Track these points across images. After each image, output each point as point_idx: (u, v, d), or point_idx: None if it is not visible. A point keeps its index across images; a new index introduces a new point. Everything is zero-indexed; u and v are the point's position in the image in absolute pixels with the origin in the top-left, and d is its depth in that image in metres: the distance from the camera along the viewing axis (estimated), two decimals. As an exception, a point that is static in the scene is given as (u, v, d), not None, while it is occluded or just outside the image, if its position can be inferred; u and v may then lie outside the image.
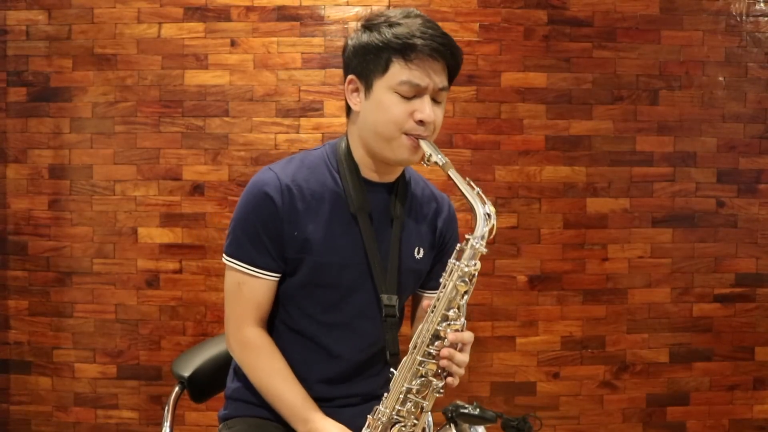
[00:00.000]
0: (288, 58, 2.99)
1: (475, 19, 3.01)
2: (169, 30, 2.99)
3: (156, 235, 3.01)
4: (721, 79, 3.07)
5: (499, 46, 3.02)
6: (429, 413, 1.59)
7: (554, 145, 3.04)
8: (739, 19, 3.06)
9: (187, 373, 1.88)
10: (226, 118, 3.00)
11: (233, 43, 2.98)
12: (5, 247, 3.04)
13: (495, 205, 3.01)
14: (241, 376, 1.72)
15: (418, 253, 1.72)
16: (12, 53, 3.01)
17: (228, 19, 2.99)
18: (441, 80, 1.59)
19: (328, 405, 1.64)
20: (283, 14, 2.97)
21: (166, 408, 1.88)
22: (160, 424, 1.88)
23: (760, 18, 3.06)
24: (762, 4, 3.06)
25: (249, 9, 2.98)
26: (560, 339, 3.07)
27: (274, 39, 2.98)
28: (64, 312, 3.03)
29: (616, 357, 3.08)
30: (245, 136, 3.00)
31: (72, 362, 3.04)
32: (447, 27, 2.94)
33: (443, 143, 3.00)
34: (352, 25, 2.95)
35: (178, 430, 2.99)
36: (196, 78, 3.00)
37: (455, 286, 1.52)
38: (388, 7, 2.97)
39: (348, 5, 2.98)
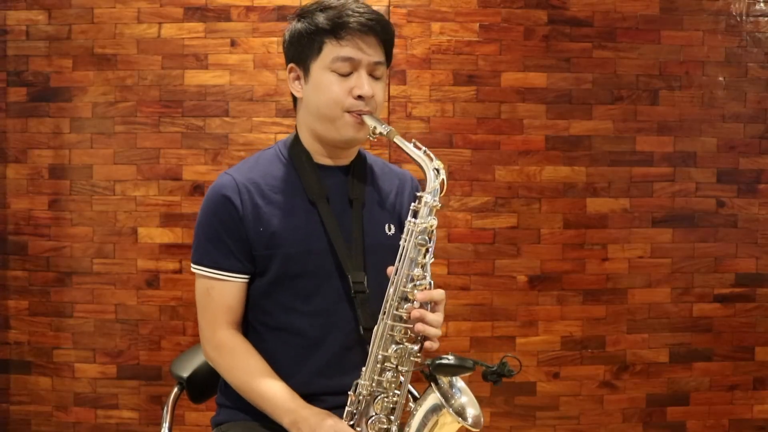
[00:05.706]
0: (288, 58, 2.99)
1: (475, 19, 3.01)
2: (169, 30, 2.99)
3: (156, 235, 3.01)
4: (721, 79, 3.07)
5: (499, 46, 3.02)
6: (408, 381, 1.57)
7: (554, 145, 3.04)
8: (739, 19, 3.06)
9: (186, 374, 1.88)
10: (226, 118, 3.00)
11: (233, 43, 2.98)
12: (5, 247, 3.04)
13: (495, 205, 3.04)
14: None
15: (389, 229, 1.74)
16: (12, 53, 3.01)
17: (228, 19, 2.98)
18: (375, 54, 1.63)
19: (322, 405, 1.61)
20: (283, 14, 2.96)
21: (165, 408, 1.88)
22: (160, 425, 1.88)
23: (760, 18, 3.06)
24: (762, 4, 3.06)
25: (249, 9, 2.98)
26: (560, 339, 3.07)
27: (274, 39, 2.97)
28: (64, 312, 3.03)
29: (616, 357, 3.08)
30: (245, 136, 2.99)
31: (72, 362, 3.04)
32: (447, 27, 3.00)
33: (443, 143, 3.00)
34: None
35: (178, 430, 2.99)
36: (196, 78, 3.00)
37: (416, 245, 1.54)
38: (388, 6, 2.97)
39: (348, 5, 2.97)
